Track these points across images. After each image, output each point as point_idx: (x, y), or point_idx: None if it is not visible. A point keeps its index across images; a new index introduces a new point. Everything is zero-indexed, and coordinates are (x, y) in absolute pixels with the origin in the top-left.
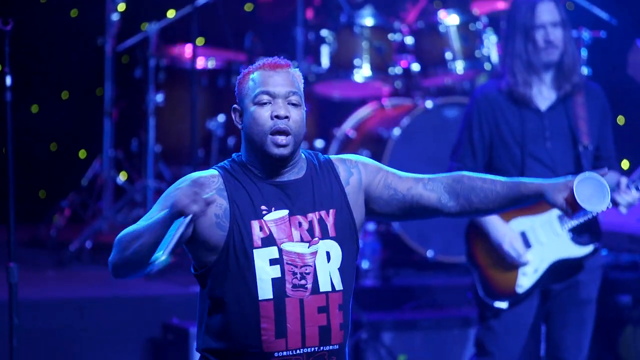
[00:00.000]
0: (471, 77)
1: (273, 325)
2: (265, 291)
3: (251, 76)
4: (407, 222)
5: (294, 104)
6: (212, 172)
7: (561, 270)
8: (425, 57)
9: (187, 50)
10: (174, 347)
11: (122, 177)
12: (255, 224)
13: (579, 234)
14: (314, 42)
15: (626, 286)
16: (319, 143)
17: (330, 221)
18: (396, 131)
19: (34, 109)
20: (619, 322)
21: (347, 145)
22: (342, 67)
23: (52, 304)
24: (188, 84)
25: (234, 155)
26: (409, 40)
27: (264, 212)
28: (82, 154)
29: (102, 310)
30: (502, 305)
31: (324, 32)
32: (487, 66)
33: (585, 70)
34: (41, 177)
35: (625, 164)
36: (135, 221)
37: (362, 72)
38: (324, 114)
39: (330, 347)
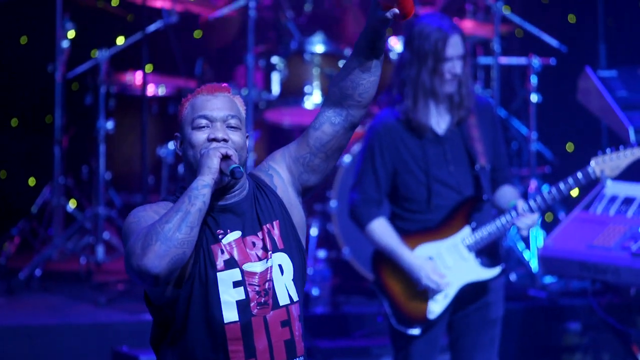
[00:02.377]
0: None
1: (242, 346)
2: (230, 314)
3: (191, 102)
4: (358, 250)
5: (233, 127)
6: (165, 204)
7: (469, 293)
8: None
9: (138, 77)
10: None
11: (72, 204)
12: (216, 248)
13: (485, 257)
14: (265, 68)
15: (575, 313)
16: None
17: (276, 233)
18: (346, 158)
19: None
20: (568, 349)
21: None
22: (293, 93)
23: (1, 332)
24: (138, 111)
25: (181, 184)
26: None
27: (220, 236)
28: (32, 181)
29: (51, 338)
30: (415, 332)
31: (275, 59)
32: None
33: (535, 97)
34: None
35: (575, 192)
36: (85, 249)
37: (313, 98)
38: (275, 140)
39: (296, 359)
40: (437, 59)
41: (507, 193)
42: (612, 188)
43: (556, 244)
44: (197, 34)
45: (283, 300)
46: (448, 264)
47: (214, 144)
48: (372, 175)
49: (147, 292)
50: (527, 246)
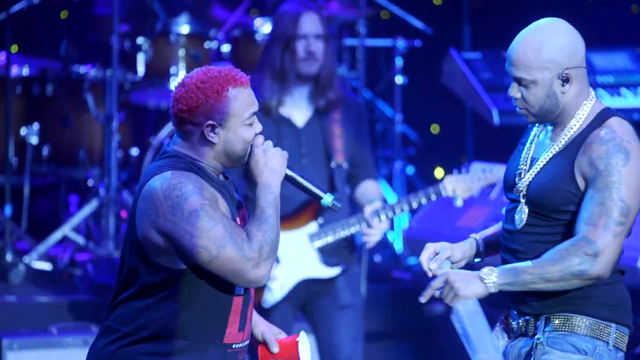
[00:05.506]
0: None
1: (239, 318)
2: (239, 287)
3: (232, 93)
4: None
5: None
6: (202, 182)
7: (313, 285)
8: (241, 64)
9: (1, 57)
10: None
11: None
12: (238, 221)
13: (328, 255)
14: (130, 49)
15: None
16: (135, 151)
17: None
18: None
19: None
20: (432, 331)
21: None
22: (158, 75)
23: None
24: (2, 92)
25: (184, 159)
26: (226, 48)
27: (236, 209)
28: None
29: None
30: None
31: (140, 40)
32: None
33: (400, 79)
34: None
35: (439, 173)
36: None
37: (178, 80)
38: (140, 122)
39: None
40: (289, 36)
41: (370, 189)
42: (476, 169)
43: (420, 225)
44: (63, 14)
45: None
46: (290, 256)
47: (267, 143)
48: None
49: (152, 254)
50: (392, 227)
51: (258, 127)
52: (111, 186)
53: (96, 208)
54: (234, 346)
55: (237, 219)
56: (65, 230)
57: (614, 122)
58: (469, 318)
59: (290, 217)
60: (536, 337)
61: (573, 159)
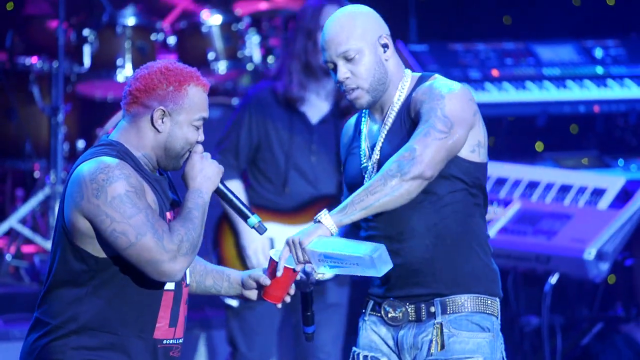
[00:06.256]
0: (233, 78)
1: (169, 314)
2: (156, 280)
3: (192, 90)
4: None
5: None
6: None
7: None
8: (188, 57)
9: None
10: None
11: None
12: (168, 216)
13: None
14: (76, 41)
15: None
16: (81, 143)
17: None
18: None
19: None
20: None
21: None
22: (104, 67)
23: None
24: None
25: (117, 147)
26: (172, 40)
27: (169, 206)
28: None
29: None
30: (233, 303)
31: (86, 32)
32: (249, 66)
33: None
34: None
35: None
36: None
37: (125, 72)
38: (86, 114)
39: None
40: (311, 27)
41: None
42: None
43: None
44: (9, 5)
45: (187, 278)
46: None
47: (205, 153)
48: (234, 144)
49: (77, 239)
50: None
51: (201, 135)
52: (57, 178)
53: (42, 200)
54: (164, 342)
55: (167, 214)
56: (12, 222)
57: (437, 76)
58: (326, 247)
59: (296, 212)
60: (436, 321)
61: (405, 121)
